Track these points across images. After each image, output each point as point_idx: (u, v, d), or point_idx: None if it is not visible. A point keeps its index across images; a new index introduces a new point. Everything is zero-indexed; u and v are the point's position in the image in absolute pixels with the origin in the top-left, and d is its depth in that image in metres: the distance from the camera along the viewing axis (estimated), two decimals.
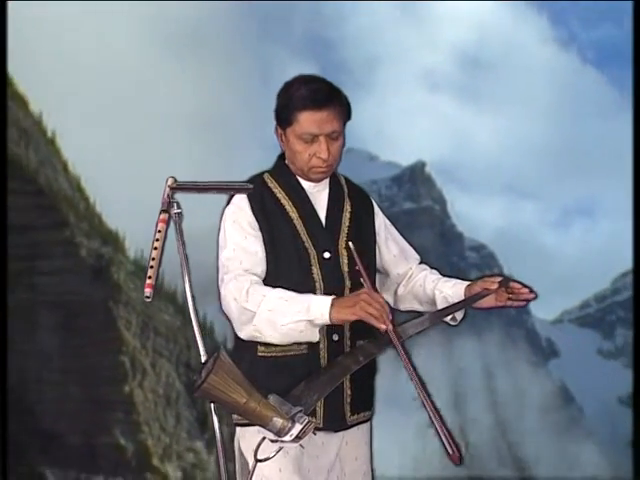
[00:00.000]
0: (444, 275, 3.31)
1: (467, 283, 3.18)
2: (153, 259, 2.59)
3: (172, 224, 2.67)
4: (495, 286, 3.10)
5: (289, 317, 2.82)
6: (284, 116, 3.02)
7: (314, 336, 2.87)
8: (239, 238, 3.00)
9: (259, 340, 2.93)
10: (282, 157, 3.17)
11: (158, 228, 2.62)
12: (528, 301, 3.13)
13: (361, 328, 2.90)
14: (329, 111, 2.98)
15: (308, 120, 2.97)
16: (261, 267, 2.99)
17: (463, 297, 3.14)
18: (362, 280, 2.94)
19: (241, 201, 3.04)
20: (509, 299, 3.12)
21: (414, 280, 3.31)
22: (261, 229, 3.01)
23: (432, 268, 3.36)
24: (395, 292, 3.35)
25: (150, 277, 2.56)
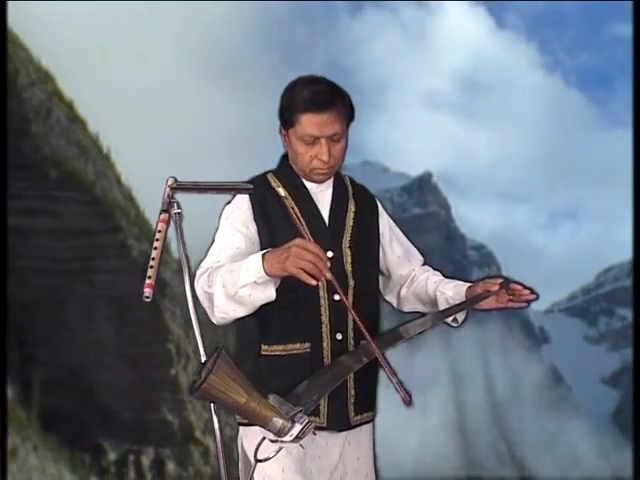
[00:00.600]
0: (447, 275, 2.93)
1: (468, 285, 2.80)
2: (153, 259, 2.25)
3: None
4: (496, 288, 2.74)
5: (236, 286, 2.41)
6: (286, 117, 2.67)
7: (268, 295, 2.43)
8: (227, 235, 2.65)
9: (228, 321, 2.53)
10: (286, 157, 2.80)
11: (158, 228, 2.30)
12: (529, 302, 2.76)
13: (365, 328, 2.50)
14: (330, 113, 2.62)
15: (309, 122, 2.61)
16: (240, 260, 2.55)
17: (464, 298, 2.77)
18: (297, 227, 2.55)
19: (242, 201, 2.68)
20: (510, 300, 2.75)
21: (417, 281, 2.92)
22: (259, 228, 2.65)
23: (436, 269, 2.97)
24: (398, 293, 2.95)
25: (150, 277, 2.23)
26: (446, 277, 2.92)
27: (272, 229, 2.65)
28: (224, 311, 2.48)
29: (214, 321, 2.54)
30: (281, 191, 2.68)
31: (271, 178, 2.75)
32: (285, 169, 2.77)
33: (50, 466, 34.09)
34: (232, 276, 2.43)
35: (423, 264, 2.99)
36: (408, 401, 2.36)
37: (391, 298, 2.96)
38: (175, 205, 2.32)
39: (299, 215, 2.67)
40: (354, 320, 2.56)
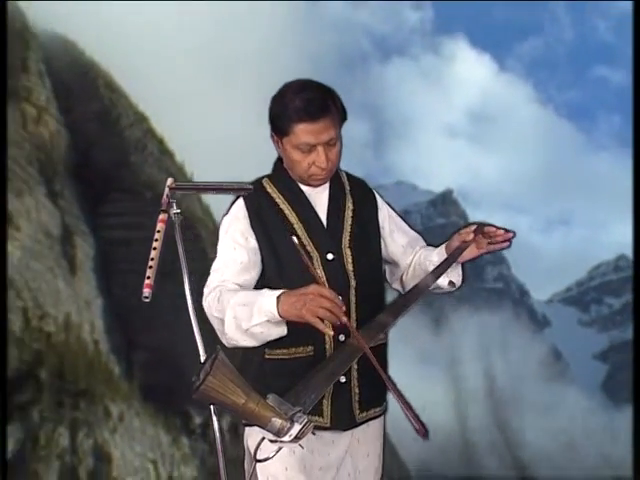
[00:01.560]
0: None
1: (446, 243, 2.26)
2: (152, 259, 1.80)
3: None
4: (471, 236, 2.19)
5: (248, 321, 1.95)
6: (279, 126, 2.12)
7: (281, 331, 1.97)
8: (229, 249, 2.14)
9: (238, 346, 2.04)
10: (280, 161, 2.26)
11: (157, 228, 1.83)
12: (507, 240, 2.18)
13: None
14: (325, 121, 2.08)
15: (304, 131, 2.08)
16: (244, 276, 2.11)
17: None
18: (310, 270, 1.98)
19: (239, 210, 2.16)
20: (489, 244, 2.19)
21: (413, 263, 2.34)
22: (257, 238, 2.14)
23: None
24: (401, 279, 2.38)
25: (149, 277, 1.77)
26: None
27: (270, 237, 2.14)
28: (235, 339, 2.01)
29: (224, 343, 2.04)
30: (276, 197, 2.19)
31: (266, 184, 2.22)
32: (280, 173, 2.23)
33: (149, 428, 34.22)
34: (244, 311, 1.96)
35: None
36: (424, 433, 1.85)
37: (397, 285, 2.40)
38: (174, 205, 1.86)
39: (297, 220, 2.17)
40: (357, 321, 2.09)
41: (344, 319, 1.84)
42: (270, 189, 2.21)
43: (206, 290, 2.09)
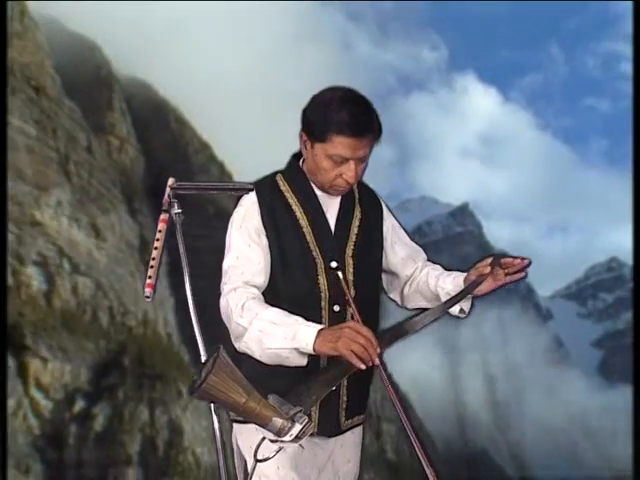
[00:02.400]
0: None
1: (465, 275, 1.90)
2: (153, 259, 1.51)
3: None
4: (488, 269, 1.86)
5: (275, 342, 1.64)
6: (317, 132, 1.77)
7: (301, 361, 1.66)
8: (243, 245, 1.79)
9: (247, 353, 1.73)
10: (296, 156, 1.92)
11: (159, 228, 1.55)
12: (524, 268, 1.84)
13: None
14: (365, 139, 1.76)
15: (343, 144, 1.74)
16: (262, 278, 1.79)
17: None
18: (351, 311, 1.75)
19: (251, 205, 1.81)
20: (507, 274, 1.85)
21: (418, 278, 2.01)
22: (268, 235, 1.81)
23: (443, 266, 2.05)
24: (402, 292, 2.03)
25: (150, 277, 1.49)
26: (447, 269, 2.01)
27: (279, 236, 1.82)
28: (250, 349, 1.70)
29: (235, 346, 1.75)
30: (289, 197, 1.86)
31: (280, 181, 1.88)
32: (295, 172, 1.89)
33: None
34: (274, 329, 1.65)
35: (426, 261, 2.08)
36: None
37: (395, 296, 2.06)
38: (175, 205, 1.57)
39: (307, 223, 1.84)
40: None
41: (377, 361, 1.55)
42: (283, 187, 1.87)
43: (226, 287, 1.76)
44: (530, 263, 1.84)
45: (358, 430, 1.94)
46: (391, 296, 2.04)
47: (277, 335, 1.64)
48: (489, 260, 1.88)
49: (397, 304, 2.04)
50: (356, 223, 1.90)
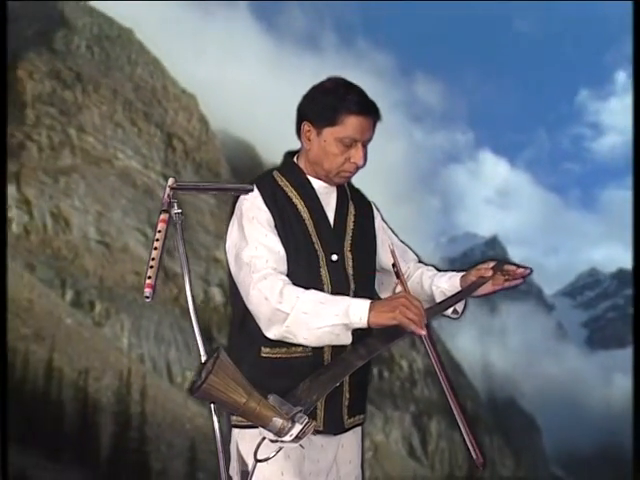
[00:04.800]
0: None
1: (462, 274, 1.90)
2: (153, 259, 1.47)
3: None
4: (490, 273, 1.87)
5: (325, 320, 1.61)
6: (328, 116, 1.75)
7: (348, 339, 1.65)
8: (259, 235, 1.73)
9: (289, 341, 1.68)
10: (290, 155, 1.89)
11: (158, 228, 1.49)
12: (524, 277, 1.87)
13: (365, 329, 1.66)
14: (374, 119, 1.78)
15: (354, 124, 1.74)
16: (284, 265, 1.73)
17: (459, 289, 1.88)
18: (400, 283, 1.75)
19: (256, 198, 1.76)
20: (506, 280, 1.86)
21: (411, 279, 1.99)
22: (276, 225, 1.76)
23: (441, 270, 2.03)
24: (393, 291, 1.96)
25: (150, 277, 1.45)
26: (440, 271, 2.00)
27: (285, 229, 1.77)
28: (294, 333, 1.65)
29: (269, 334, 1.69)
30: (289, 191, 1.83)
31: (278, 177, 1.85)
32: (291, 167, 1.87)
33: None
34: (322, 308, 1.63)
35: (418, 262, 2.07)
36: (482, 463, 1.57)
37: (385, 295, 1.99)
38: (175, 205, 1.54)
39: (308, 216, 1.81)
40: None
41: (424, 332, 1.59)
42: (282, 182, 1.83)
43: (255, 276, 1.68)
44: (531, 272, 1.88)
45: (359, 430, 1.90)
46: (382, 296, 1.99)
47: (326, 314, 1.62)
48: (491, 264, 1.88)
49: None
50: (351, 219, 1.88)
